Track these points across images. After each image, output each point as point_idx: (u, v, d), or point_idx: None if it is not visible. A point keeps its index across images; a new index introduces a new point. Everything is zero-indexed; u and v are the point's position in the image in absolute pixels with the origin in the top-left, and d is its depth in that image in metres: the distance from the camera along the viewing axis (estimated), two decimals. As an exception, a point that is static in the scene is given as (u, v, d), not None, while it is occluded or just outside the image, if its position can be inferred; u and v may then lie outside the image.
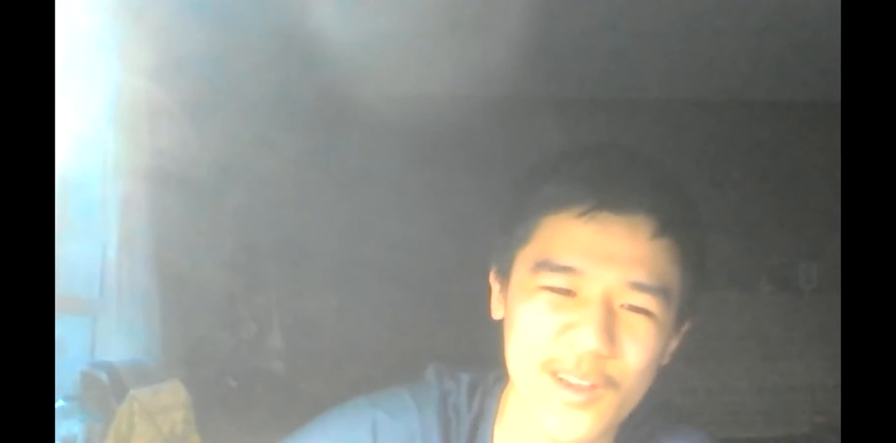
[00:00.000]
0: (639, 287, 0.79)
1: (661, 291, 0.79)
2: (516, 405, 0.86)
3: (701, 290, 0.86)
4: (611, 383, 0.78)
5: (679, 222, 0.81)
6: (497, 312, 0.87)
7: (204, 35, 2.05)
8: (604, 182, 0.81)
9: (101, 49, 2.10)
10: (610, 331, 0.78)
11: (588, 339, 0.77)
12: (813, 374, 3.68)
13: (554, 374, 0.79)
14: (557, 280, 0.80)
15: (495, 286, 0.88)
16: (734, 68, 3.32)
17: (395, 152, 3.33)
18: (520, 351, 0.82)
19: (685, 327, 0.87)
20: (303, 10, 2.12)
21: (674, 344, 0.87)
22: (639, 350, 0.79)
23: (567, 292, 0.80)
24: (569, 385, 0.78)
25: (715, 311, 3.64)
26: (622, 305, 0.79)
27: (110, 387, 1.87)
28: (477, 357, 0.91)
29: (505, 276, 0.86)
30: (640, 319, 0.79)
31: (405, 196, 3.38)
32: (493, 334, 0.86)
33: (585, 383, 0.78)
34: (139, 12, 1.99)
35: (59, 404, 1.78)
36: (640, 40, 3.00)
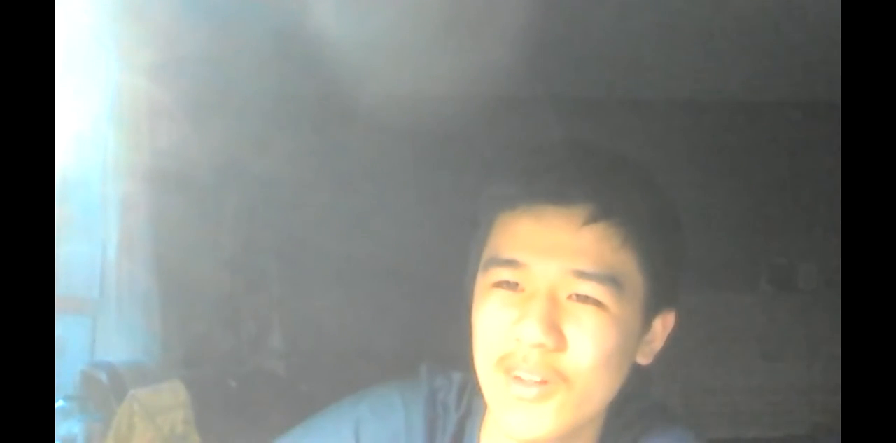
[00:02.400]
0: (582, 276, 0.77)
1: (608, 279, 0.78)
2: None
3: (676, 281, 0.83)
4: (562, 377, 0.77)
5: (621, 208, 0.79)
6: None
7: (204, 35, 2.05)
8: (540, 175, 0.81)
9: (101, 49, 2.10)
10: (553, 323, 0.76)
11: (532, 332, 0.76)
12: (813, 374, 3.68)
13: (507, 371, 0.78)
14: (504, 274, 0.80)
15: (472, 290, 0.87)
16: (735, 68, 3.32)
17: (395, 152, 3.33)
18: (478, 350, 0.81)
19: (662, 322, 0.84)
20: (303, 11, 2.12)
21: (654, 342, 0.84)
22: (589, 343, 0.77)
23: (514, 286, 0.80)
24: (520, 381, 0.77)
25: (715, 311, 3.63)
26: (570, 297, 0.78)
27: (110, 387, 1.86)
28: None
29: (474, 279, 0.86)
30: (588, 310, 0.77)
31: (405, 196, 3.38)
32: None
33: (536, 377, 0.77)
34: (139, 12, 1.99)
35: (59, 404, 1.78)
36: (641, 40, 3.00)
